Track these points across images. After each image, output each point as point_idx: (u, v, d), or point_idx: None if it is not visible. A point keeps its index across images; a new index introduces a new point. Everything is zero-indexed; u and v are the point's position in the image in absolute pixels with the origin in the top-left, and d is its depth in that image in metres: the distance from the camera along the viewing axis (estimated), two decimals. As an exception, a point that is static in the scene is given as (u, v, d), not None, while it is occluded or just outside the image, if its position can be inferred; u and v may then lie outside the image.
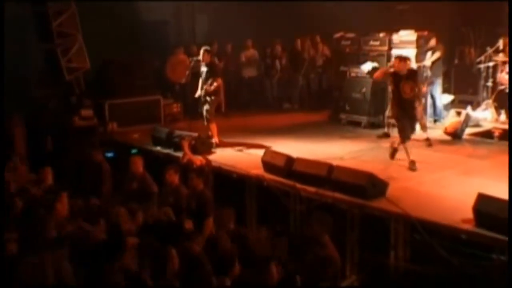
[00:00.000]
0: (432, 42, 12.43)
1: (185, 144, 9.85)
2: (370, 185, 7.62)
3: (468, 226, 6.62)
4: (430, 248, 6.71)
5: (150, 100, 13.22)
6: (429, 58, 12.26)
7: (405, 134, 9.24)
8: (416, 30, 12.41)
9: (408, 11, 14.39)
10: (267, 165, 9.01)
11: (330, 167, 8.13)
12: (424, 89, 11.46)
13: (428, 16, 14.11)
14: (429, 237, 6.73)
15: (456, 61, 14.93)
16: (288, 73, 15.16)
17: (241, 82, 15.26)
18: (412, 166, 9.00)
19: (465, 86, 13.94)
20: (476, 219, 6.63)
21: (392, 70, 9.70)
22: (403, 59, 9.48)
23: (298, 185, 8.27)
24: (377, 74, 10.55)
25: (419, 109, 10.15)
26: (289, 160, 8.69)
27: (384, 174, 8.26)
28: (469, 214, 6.71)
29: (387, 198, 7.59)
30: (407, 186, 8.23)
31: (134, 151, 10.83)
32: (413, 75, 9.48)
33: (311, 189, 8.07)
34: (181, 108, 13.65)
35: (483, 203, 6.63)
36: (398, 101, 9.43)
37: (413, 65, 11.50)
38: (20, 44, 13.35)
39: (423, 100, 12.03)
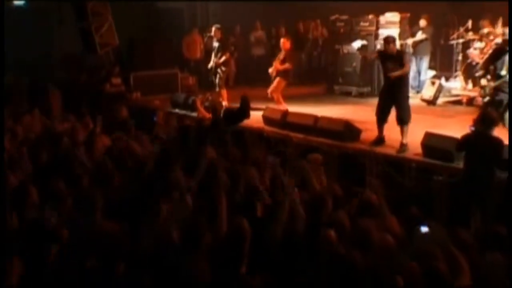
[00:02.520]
0: (422, 23, 14.26)
1: (198, 102, 11.81)
2: (346, 130, 9.58)
3: (418, 157, 8.60)
4: (392, 177, 8.62)
5: (169, 74, 15.23)
6: (419, 37, 14.14)
7: (379, 113, 9.46)
8: (400, 12, 14.27)
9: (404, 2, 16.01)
10: (267, 119, 10.99)
11: (316, 118, 10.10)
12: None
13: (421, 5, 15.72)
14: (388, 167, 8.66)
15: (442, 42, 16.68)
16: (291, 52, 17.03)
17: (250, 59, 17.20)
18: (401, 148, 9.10)
19: (449, 64, 15.69)
20: (423, 151, 8.58)
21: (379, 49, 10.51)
22: (387, 40, 9.60)
23: (291, 133, 10.22)
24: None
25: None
26: (284, 114, 10.67)
27: (361, 126, 10.16)
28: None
29: (360, 141, 9.55)
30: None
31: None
32: (400, 57, 9.54)
33: (301, 135, 10.02)
34: (196, 81, 15.63)
35: (429, 138, 8.58)
36: (384, 81, 9.87)
37: (397, 42, 13.43)
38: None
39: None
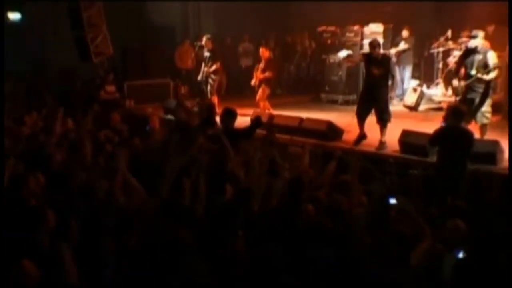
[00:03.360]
0: (405, 33, 14.89)
1: (182, 90, 12.34)
2: (329, 130, 10.11)
3: (395, 153, 9.12)
4: (372, 172, 9.12)
5: (161, 83, 15.75)
6: (401, 47, 14.74)
7: (358, 112, 9.99)
8: (383, 23, 14.88)
9: (390, 13, 16.69)
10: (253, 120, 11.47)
11: (301, 119, 10.62)
12: None
13: (407, 16, 16.37)
14: (368, 163, 9.15)
15: (425, 54, 17.27)
16: (279, 63, 17.63)
17: (239, 70, 17.78)
18: (380, 145, 9.63)
19: (432, 74, 16.26)
20: (400, 148, 9.12)
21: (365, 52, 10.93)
22: (373, 44, 9.98)
23: (278, 135, 10.69)
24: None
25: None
26: (270, 116, 11.19)
27: (345, 128, 10.68)
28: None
29: (342, 140, 10.07)
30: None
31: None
32: (386, 61, 10.06)
33: (286, 136, 10.51)
34: (188, 90, 16.15)
35: (406, 135, 9.12)
36: (365, 82, 10.46)
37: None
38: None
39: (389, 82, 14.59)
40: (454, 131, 7.49)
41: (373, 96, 9.79)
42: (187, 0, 19.59)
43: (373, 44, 9.93)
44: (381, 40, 14.17)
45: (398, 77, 14.91)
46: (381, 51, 10.49)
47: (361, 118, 9.87)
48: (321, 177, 6.60)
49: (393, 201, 5.08)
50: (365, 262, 4.22)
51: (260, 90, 12.91)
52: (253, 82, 13.17)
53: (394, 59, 14.77)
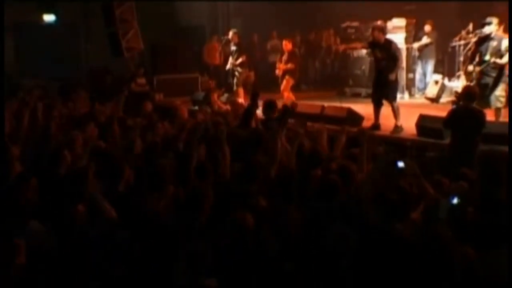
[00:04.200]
0: (427, 28, 15.20)
1: (214, 95, 12.79)
2: (349, 116, 10.50)
3: (412, 136, 9.47)
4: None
5: (190, 77, 16.27)
6: (424, 41, 15.05)
7: (372, 97, 10.63)
8: (406, 17, 15.20)
9: (415, 11, 16.99)
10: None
11: (322, 107, 11.02)
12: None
13: (431, 14, 16.66)
14: (385, 146, 9.51)
15: (449, 50, 17.53)
16: (305, 60, 18.05)
17: (267, 66, 18.20)
18: (395, 129, 10.05)
19: (454, 68, 16.52)
20: (418, 131, 9.46)
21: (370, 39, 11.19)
22: (373, 28, 10.67)
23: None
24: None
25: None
26: (293, 104, 11.57)
27: (367, 118, 11.02)
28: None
29: (359, 132, 10.39)
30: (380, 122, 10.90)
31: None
32: (388, 44, 10.32)
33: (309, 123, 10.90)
34: (215, 84, 16.61)
35: (423, 120, 9.46)
36: (375, 68, 10.81)
37: (403, 46, 14.42)
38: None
39: (411, 76, 15.00)
40: (466, 112, 7.80)
41: (381, 79, 10.25)
42: (217, 0, 20.03)
43: (373, 28, 10.56)
44: (403, 34, 14.84)
45: (420, 70, 15.21)
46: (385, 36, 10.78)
47: (376, 103, 10.34)
48: (333, 151, 6.99)
49: (401, 164, 5.44)
50: (368, 215, 4.61)
51: (284, 81, 13.34)
52: (277, 72, 13.60)
53: (416, 53, 15.12)
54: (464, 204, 4.78)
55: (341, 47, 14.78)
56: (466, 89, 8.21)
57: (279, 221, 4.70)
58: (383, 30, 10.87)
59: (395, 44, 10.80)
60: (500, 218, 4.57)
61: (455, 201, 4.65)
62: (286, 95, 13.32)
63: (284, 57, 13.48)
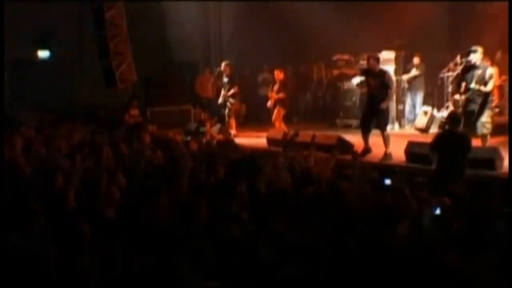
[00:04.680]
0: (416, 60, 15.53)
1: (208, 125, 12.98)
2: (339, 144, 10.68)
3: (401, 162, 9.66)
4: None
5: (183, 109, 16.51)
6: (413, 73, 15.36)
7: (362, 123, 11.05)
8: (395, 50, 15.53)
9: (404, 45, 17.33)
10: (270, 140, 12.10)
11: (313, 135, 11.16)
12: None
13: (420, 48, 16.99)
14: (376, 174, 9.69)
15: (439, 82, 17.85)
16: (296, 92, 18.32)
17: (258, 99, 18.46)
18: (385, 157, 10.31)
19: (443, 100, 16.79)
20: (406, 157, 9.65)
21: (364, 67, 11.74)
22: (372, 57, 10.99)
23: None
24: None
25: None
26: (285, 134, 11.78)
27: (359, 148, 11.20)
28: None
29: (351, 152, 10.58)
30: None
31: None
32: (382, 74, 10.77)
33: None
34: (208, 117, 16.83)
35: (412, 146, 9.66)
36: (366, 95, 11.29)
37: (393, 78, 14.70)
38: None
39: (401, 107, 15.28)
40: (451, 136, 8.02)
41: (372, 107, 10.62)
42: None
43: (370, 57, 11.00)
44: (393, 66, 15.14)
45: (409, 102, 15.50)
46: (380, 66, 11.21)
47: (364, 129, 10.70)
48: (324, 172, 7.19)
49: (387, 181, 5.61)
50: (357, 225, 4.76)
51: (276, 111, 13.57)
52: (269, 103, 13.83)
53: (406, 85, 15.43)
54: (448, 218, 4.93)
55: (335, 72, 15.07)
56: (451, 114, 8.45)
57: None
58: (378, 60, 11.24)
59: (389, 74, 11.27)
60: (485, 230, 4.74)
61: (437, 211, 4.82)
62: (278, 125, 13.53)
63: (276, 87, 13.71)
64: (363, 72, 11.24)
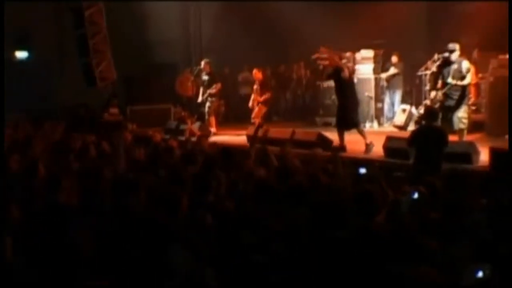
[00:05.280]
0: (394, 59, 15.67)
1: (189, 122, 13.00)
2: (319, 140, 10.76)
3: (380, 157, 9.76)
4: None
5: (163, 108, 16.51)
6: (391, 72, 15.50)
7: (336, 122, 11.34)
8: (374, 49, 15.67)
9: (383, 45, 17.45)
10: (249, 137, 12.15)
11: (293, 131, 11.28)
12: None
13: (399, 47, 17.13)
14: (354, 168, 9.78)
15: (417, 81, 18.02)
16: (276, 92, 18.38)
17: (238, 98, 18.54)
18: (368, 148, 10.60)
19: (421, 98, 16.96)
20: (385, 152, 9.75)
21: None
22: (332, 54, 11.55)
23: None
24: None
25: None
26: (265, 131, 11.86)
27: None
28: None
29: (332, 148, 10.69)
30: (349, 147, 11.21)
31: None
32: (337, 71, 11.15)
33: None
34: (188, 115, 16.83)
35: (390, 141, 9.76)
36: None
37: (371, 76, 14.93)
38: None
39: (380, 105, 15.42)
40: (428, 130, 8.12)
41: (340, 105, 11.12)
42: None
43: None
44: (371, 65, 15.29)
45: (388, 100, 15.64)
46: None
47: (338, 128, 10.97)
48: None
49: (363, 170, 5.68)
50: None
51: (257, 109, 13.56)
52: (250, 103, 13.81)
53: (385, 84, 15.57)
54: (425, 203, 5.02)
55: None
56: (427, 109, 8.56)
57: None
58: (341, 57, 11.82)
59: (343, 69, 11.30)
60: (462, 219, 4.82)
61: (415, 195, 4.90)
62: (258, 122, 13.54)
63: (257, 87, 13.68)
64: (330, 77, 11.72)
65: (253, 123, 13.47)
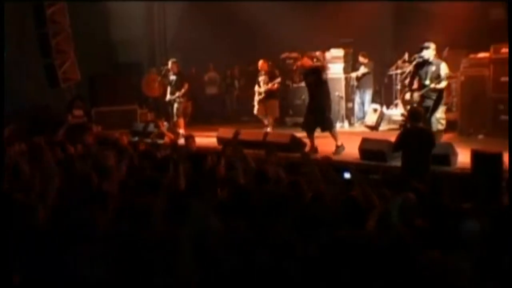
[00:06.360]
0: (361, 59, 15.50)
1: (160, 124, 12.59)
2: (292, 143, 10.49)
3: (355, 160, 9.53)
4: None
5: (128, 109, 16.04)
6: (361, 71, 15.33)
7: (304, 124, 11.17)
8: (344, 48, 15.49)
9: (351, 43, 17.30)
10: (220, 139, 11.82)
11: (265, 133, 11.00)
12: None
13: (368, 46, 17.00)
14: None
15: (386, 80, 17.94)
16: (246, 91, 18.11)
17: (204, 98, 18.21)
18: (337, 150, 10.51)
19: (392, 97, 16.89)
20: (361, 154, 9.52)
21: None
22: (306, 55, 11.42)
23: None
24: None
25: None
26: (236, 133, 11.49)
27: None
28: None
29: (304, 151, 10.41)
30: (322, 149, 10.98)
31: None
32: (316, 70, 10.96)
33: (251, 151, 10.85)
34: (154, 117, 16.43)
35: (366, 143, 9.54)
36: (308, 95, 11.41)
37: (341, 75, 14.75)
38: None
39: (350, 105, 15.25)
40: (415, 132, 7.92)
41: (312, 106, 10.84)
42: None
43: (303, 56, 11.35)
44: (341, 64, 15.10)
45: (358, 100, 15.46)
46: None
47: (307, 130, 10.79)
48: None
49: (347, 175, 5.44)
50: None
51: (271, 105, 13.83)
52: (256, 97, 13.68)
53: (355, 83, 15.39)
54: (413, 212, 4.79)
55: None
56: (411, 110, 8.37)
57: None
58: (312, 58, 11.48)
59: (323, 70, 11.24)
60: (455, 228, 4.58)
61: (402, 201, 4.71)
62: (271, 120, 13.81)
63: (263, 78, 13.80)
64: (304, 75, 11.44)
65: (272, 122, 13.53)
